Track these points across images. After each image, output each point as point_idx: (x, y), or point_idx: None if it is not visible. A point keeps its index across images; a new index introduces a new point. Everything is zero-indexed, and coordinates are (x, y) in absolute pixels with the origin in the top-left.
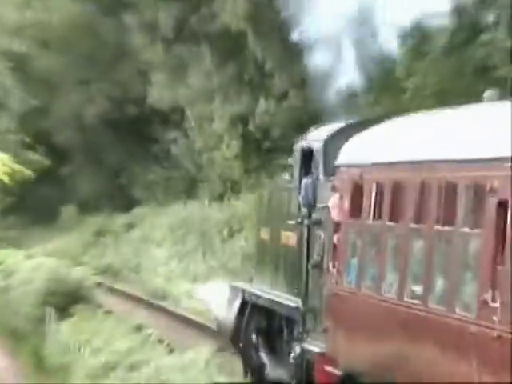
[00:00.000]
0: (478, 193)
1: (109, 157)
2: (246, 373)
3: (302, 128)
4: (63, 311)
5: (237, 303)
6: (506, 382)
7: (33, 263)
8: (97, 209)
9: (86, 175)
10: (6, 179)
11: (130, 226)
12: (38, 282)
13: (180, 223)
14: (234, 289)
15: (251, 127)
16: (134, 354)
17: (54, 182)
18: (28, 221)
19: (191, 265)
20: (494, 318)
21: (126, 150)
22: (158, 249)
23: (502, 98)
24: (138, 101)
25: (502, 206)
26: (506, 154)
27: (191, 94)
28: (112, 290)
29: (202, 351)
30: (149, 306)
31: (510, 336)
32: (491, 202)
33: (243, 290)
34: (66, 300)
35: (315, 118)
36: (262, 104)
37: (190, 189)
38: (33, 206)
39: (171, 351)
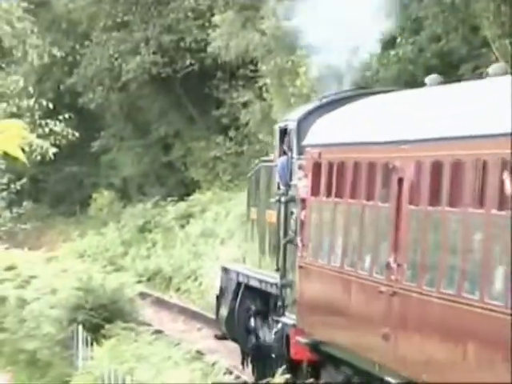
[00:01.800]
0: (386, 172)
1: (156, 125)
2: (243, 362)
3: (415, 85)
4: (97, 331)
5: (232, 286)
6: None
7: (56, 268)
8: (141, 195)
9: (126, 150)
10: (23, 157)
11: (185, 218)
12: (63, 292)
13: None
14: (226, 271)
15: (346, 85)
16: None
17: (82, 159)
18: (49, 211)
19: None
20: (392, 277)
21: (179, 116)
22: (224, 248)
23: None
24: (195, 51)
25: (400, 182)
26: (407, 137)
27: (267, 40)
28: (161, 303)
29: None
30: (211, 324)
31: (403, 292)
32: (393, 179)
33: (236, 272)
34: (101, 316)
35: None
36: (363, 54)
37: None
38: (55, 192)
39: None
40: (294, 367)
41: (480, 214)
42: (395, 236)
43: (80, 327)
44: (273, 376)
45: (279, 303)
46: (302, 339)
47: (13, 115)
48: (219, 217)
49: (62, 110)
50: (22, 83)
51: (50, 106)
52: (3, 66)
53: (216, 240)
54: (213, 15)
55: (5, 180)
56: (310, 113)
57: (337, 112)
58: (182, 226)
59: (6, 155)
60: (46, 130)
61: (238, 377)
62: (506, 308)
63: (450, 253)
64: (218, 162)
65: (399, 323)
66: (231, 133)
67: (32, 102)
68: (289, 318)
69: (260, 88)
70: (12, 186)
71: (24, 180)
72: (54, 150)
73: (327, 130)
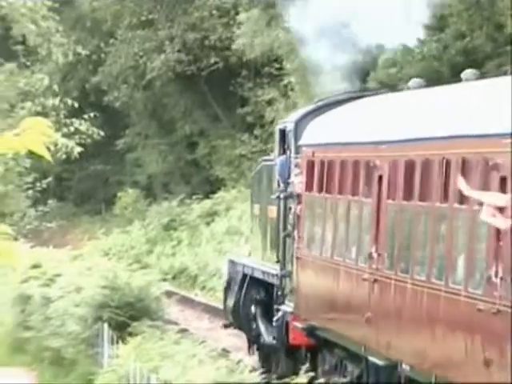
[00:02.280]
0: (368, 170)
1: (181, 123)
2: (250, 348)
3: (439, 83)
4: (122, 329)
5: (238, 277)
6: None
7: (81, 266)
8: (166, 193)
9: (151, 148)
10: (48, 155)
11: (210, 216)
12: (89, 290)
13: None
14: (233, 264)
15: (371, 82)
16: None
17: (107, 157)
18: (74, 210)
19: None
20: (374, 265)
21: (204, 113)
22: (249, 245)
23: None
24: (220, 49)
25: (380, 179)
26: (385, 138)
27: (292, 37)
28: (187, 302)
29: None
30: None
31: (382, 279)
32: (374, 177)
33: (243, 265)
34: (126, 314)
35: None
36: (387, 51)
37: None
38: (80, 190)
39: None
40: (293, 352)
41: (444, 207)
42: (376, 228)
43: (105, 325)
44: (276, 363)
45: (279, 292)
46: (299, 325)
47: (38, 114)
48: (244, 215)
49: (86, 108)
50: (46, 82)
51: (75, 104)
52: (28, 64)
53: (241, 238)
54: (237, 13)
55: (30, 179)
56: (306, 115)
57: (329, 114)
58: (207, 224)
59: (31, 154)
60: (71, 128)
61: (264, 376)
62: (465, 291)
63: (421, 243)
64: (244, 159)
65: (380, 308)
66: (256, 131)
67: (57, 100)
68: (288, 306)
69: (285, 86)
70: (37, 184)
71: (49, 179)
72: (79, 149)
73: (320, 131)
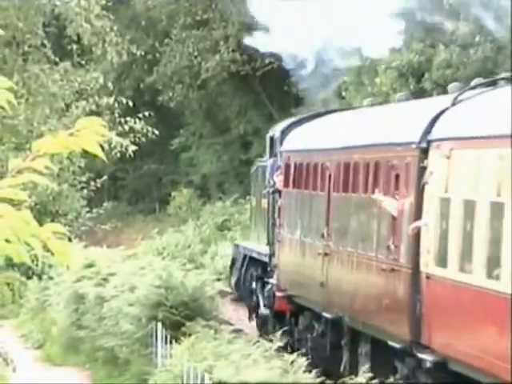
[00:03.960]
0: (322, 170)
1: (235, 123)
2: (250, 317)
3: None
4: (176, 329)
5: (240, 258)
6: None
7: (135, 265)
8: (220, 193)
9: (205, 148)
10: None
11: None
12: (143, 290)
13: None
14: (236, 247)
15: (426, 83)
16: None
17: (161, 157)
18: (128, 209)
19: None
20: (325, 243)
21: (259, 113)
22: None
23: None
24: None
25: (329, 177)
26: (333, 146)
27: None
28: (241, 302)
29: None
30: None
31: (331, 252)
32: (326, 175)
33: (243, 247)
34: (180, 314)
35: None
36: (442, 52)
37: None
38: (134, 189)
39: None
40: (280, 317)
41: (365, 197)
42: (327, 214)
43: (159, 325)
44: (273, 327)
45: (269, 268)
46: (280, 294)
47: (92, 113)
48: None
49: (141, 107)
50: (101, 80)
51: (130, 103)
52: (83, 63)
53: None
54: None
55: (84, 178)
56: (290, 125)
57: (305, 126)
58: None
59: (85, 153)
60: (126, 127)
61: (318, 375)
62: (375, 257)
63: (352, 224)
64: None
65: (329, 275)
66: None
67: (111, 99)
68: (274, 279)
69: (339, 86)
70: (92, 183)
71: (104, 177)
72: (133, 147)
73: (295, 140)
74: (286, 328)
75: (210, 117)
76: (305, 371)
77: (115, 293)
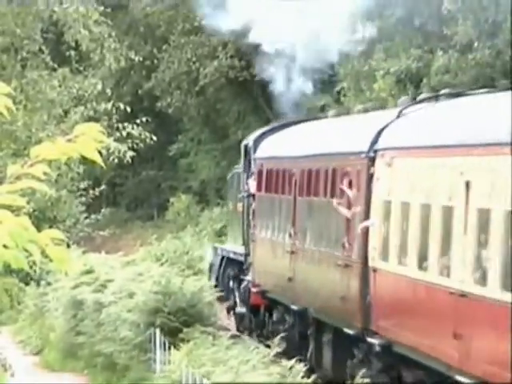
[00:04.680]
0: (289, 176)
1: (234, 129)
2: (228, 313)
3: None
4: (175, 335)
5: (218, 259)
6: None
7: (133, 271)
8: (218, 199)
9: (204, 154)
10: (101, 161)
11: None
12: (141, 296)
13: None
14: (215, 249)
15: (424, 89)
16: None
17: (160, 163)
18: (126, 215)
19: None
20: (292, 241)
21: (257, 119)
22: None
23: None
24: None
25: (295, 182)
26: (299, 154)
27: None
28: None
29: None
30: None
31: (297, 250)
32: (292, 181)
33: (221, 249)
34: (179, 320)
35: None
36: (440, 58)
37: None
38: (132, 196)
39: None
40: (255, 311)
41: (324, 201)
42: (293, 216)
43: (157, 331)
44: (250, 322)
45: (244, 267)
46: (255, 289)
47: (90, 118)
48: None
49: (139, 113)
50: (99, 86)
51: (128, 109)
52: (81, 69)
53: None
54: None
55: (82, 185)
56: (262, 134)
57: (275, 135)
58: None
59: (83, 159)
60: (124, 133)
61: (316, 380)
62: (332, 254)
63: (313, 225)
64: None
65: (296, 271)
66: None
67: (110, 105)
68: (249, 276)
69: (338, 92)
70: (90, 191)
71: (103, 187)
72: (131, 153)
73: (266, 148)
74: (260, 320)
75: (209, 123)
76: (303, 377)
77: (113, 299)
